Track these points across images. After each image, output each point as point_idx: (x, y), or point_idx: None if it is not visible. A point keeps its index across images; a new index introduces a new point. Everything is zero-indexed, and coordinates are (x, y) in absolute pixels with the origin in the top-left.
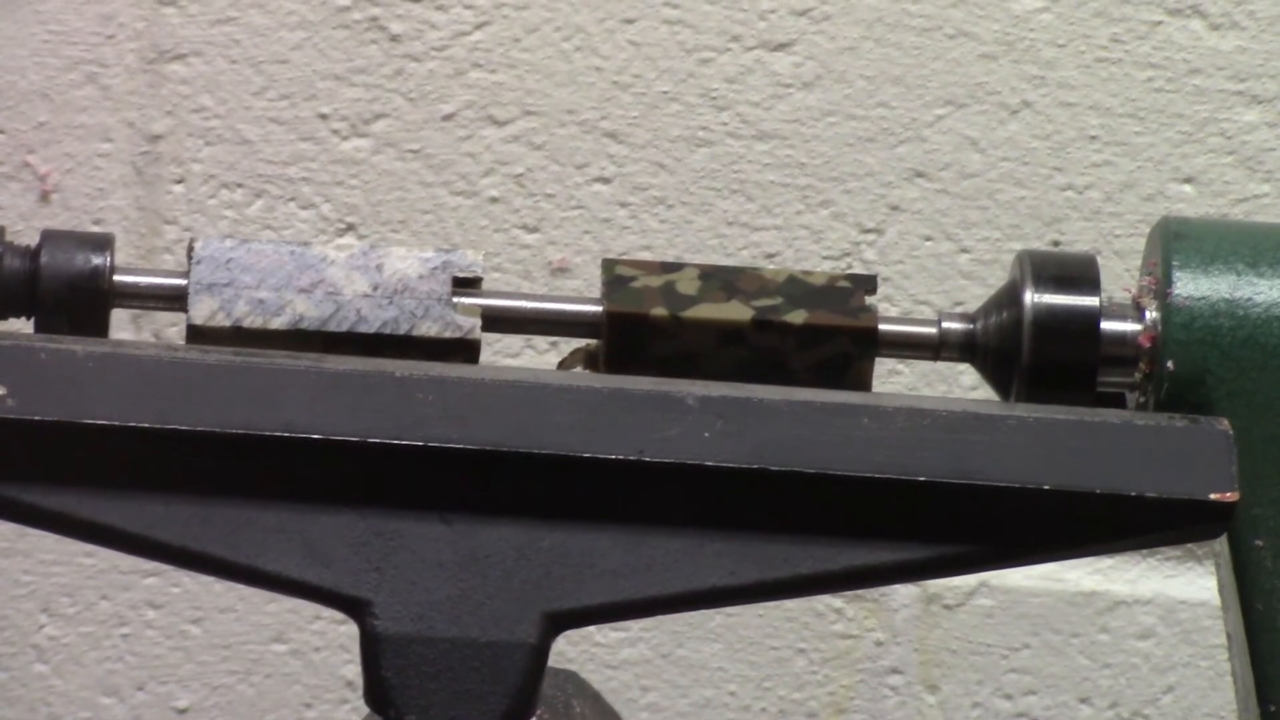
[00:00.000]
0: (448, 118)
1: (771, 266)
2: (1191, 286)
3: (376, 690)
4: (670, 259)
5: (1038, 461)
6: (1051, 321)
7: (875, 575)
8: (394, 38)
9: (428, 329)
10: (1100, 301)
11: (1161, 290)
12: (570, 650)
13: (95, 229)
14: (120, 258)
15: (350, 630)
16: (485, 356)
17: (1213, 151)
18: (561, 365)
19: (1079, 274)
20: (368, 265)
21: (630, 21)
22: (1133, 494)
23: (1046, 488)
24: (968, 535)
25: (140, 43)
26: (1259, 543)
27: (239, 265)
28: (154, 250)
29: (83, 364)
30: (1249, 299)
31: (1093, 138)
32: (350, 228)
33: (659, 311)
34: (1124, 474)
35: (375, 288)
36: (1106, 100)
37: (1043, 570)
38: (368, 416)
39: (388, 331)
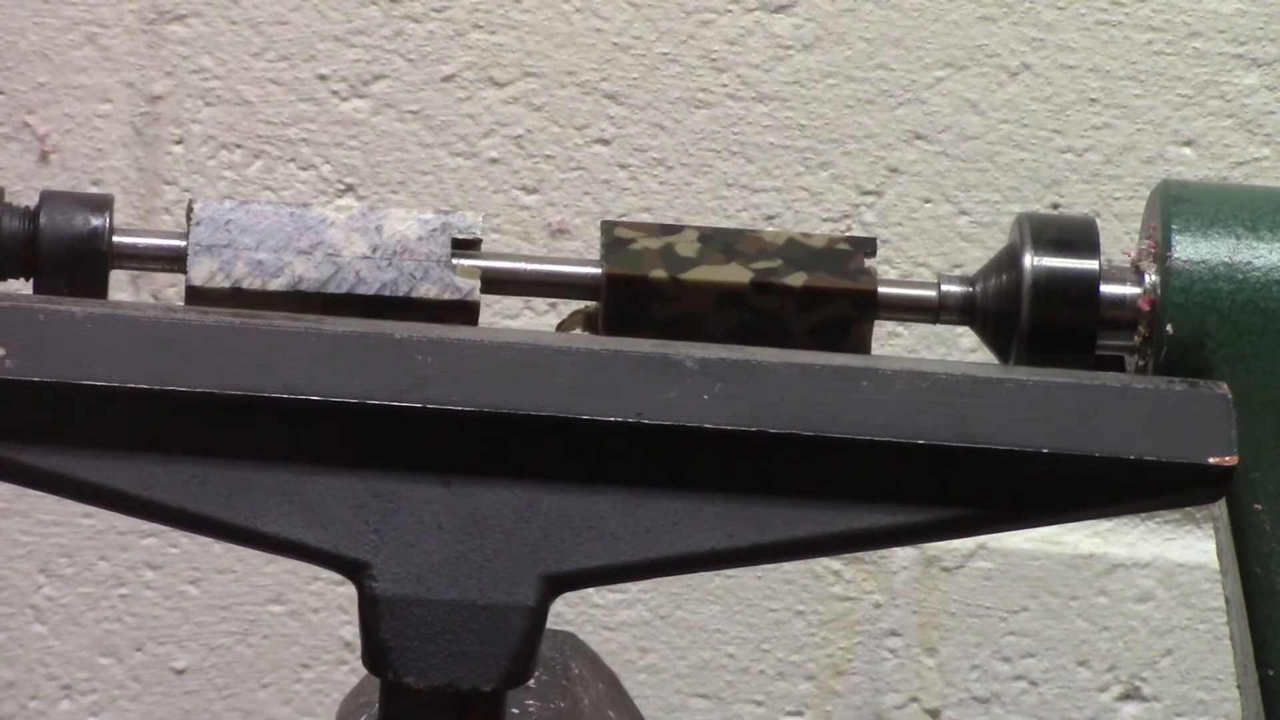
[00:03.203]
0: (447, 79)
1: (771, 229)
2: (1191, 250)
3: (374, 652)
4: (670, 221)
5: (1037, 424)
6: (1051, 285)
7: (874, 538)
8: None
9: (427, 291)
10: (1100, 265)
11: (1161, 254)
12: (569, 612)
13: (94, 190)
14: (119, 218)
15: (348, 591)
16: (484, 318)
17: (1212, 114)
18: (560, 327)
19: (1078, 237)
20: (367, 227)
21: None
22: (1131, 457)
23: (1045, 451)
24: (966, 498)
25: (140, 3)
26: (1258, 506)
27: (238, 226)
28: (153, 211)
29: (81, 325)
30: (1248, 263)
31: (1092, 100)
32: (349, 189)
33: (658, 274)
34: (1123, 437)
35: (374, 249)
36: (1106, 63)
37: (1041, 533)
38: (367, 378)
39: (387, 293)
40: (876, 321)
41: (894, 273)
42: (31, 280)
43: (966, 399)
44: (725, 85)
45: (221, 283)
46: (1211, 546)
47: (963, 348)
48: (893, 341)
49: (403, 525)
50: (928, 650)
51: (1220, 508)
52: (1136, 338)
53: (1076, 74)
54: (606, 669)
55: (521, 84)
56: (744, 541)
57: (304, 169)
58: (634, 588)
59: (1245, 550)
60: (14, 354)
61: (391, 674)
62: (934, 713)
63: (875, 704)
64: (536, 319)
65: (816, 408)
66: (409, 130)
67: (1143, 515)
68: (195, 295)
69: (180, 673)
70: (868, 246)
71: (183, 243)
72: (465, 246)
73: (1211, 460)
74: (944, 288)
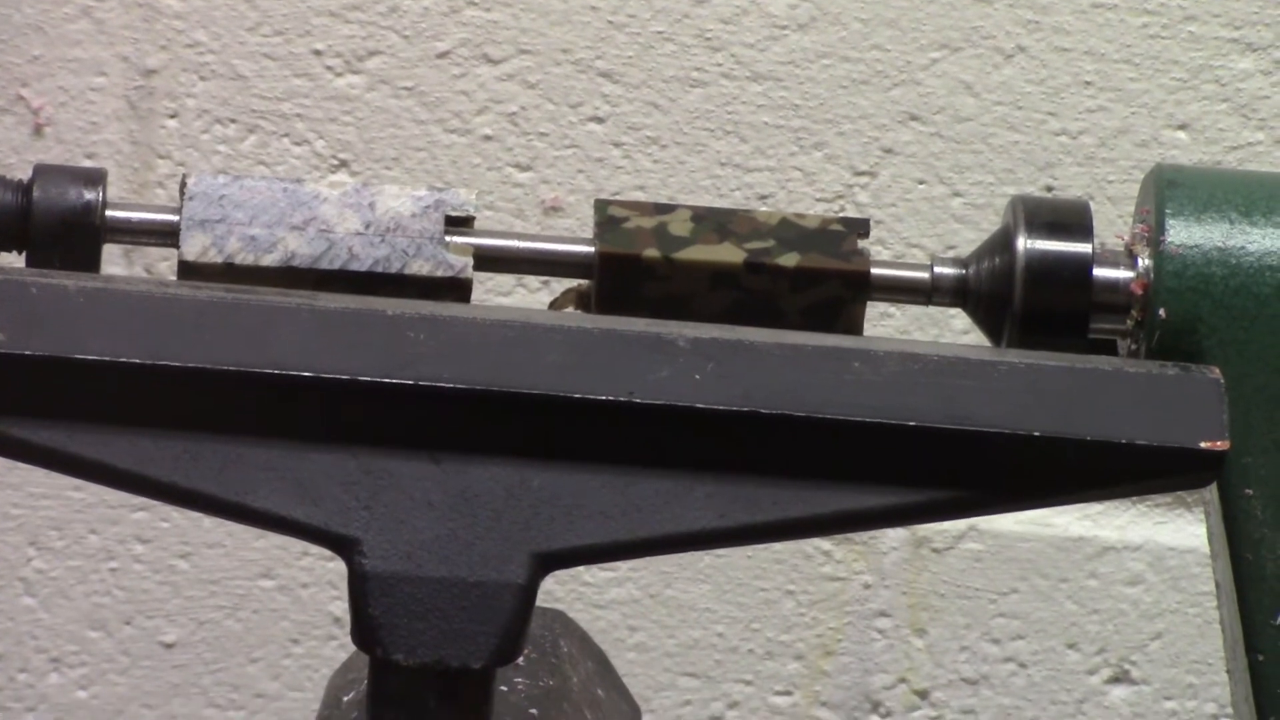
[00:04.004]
0: (442, 55)
1: (764, 209)
2: (1184, 234)
3: (364, 628)
4: (663, 200)
5: (1028, 407)
6: (1044, 267)
7: (865, 519)
8: None
9: (420, 268)
10: (1093, 248)
11: (1154, 238)
12: (558, 590)
13: (88, 163)
14: (113, 192)
15: (338, 566)
16: (477, 295)
17: (1207, 99)
18: (553, 305)
19: (1072, 220)
20: (360, 203)
21: None
22: (1123, 441)
23: (1037, 434)
24: (957, 480)
25: None
26: (1249, 491)
27: (231, 202)
28: (147, 185)
29: (74, 299)
30: (1241, 247)
31: (1087, 83)
32: (343, 164)
33: (651, 253)
34: (1115, 421)
35: (368, 226)
36: (1101, 46)
37: (1032, 515)
38: (359, 355)
39: (380, 270)
40: (869, 303)
41: (887, 254)
42: (24, 253)
43: (958, 381)
44: (720, 64)
45: (214, 258)
46: (1202, 530)
47: (955, 329)
48: (885, 323)
49: (393, 502)
50: (917, 631)
51: (1211, 492)
52: (1129, 321)
53: (1071, 57)
54: (595, 647)
55: (516, 61)
56: (734, 521)
57: (298, 144)
58: (624, 566)
59: (1236, 535)
60: (5, 327)
61: (380, 650)
62: (923, 693)
63: (864, 684)
64: (529, 297)
65: (808, 388)
66: (403, 106)
67: (1134, 499)
68: (188, 270)
69: (169, 647)
70: (861, 227)
71: (176, 217)
72: (458, 224)
73: (1203, 445)
74: (937, 269)
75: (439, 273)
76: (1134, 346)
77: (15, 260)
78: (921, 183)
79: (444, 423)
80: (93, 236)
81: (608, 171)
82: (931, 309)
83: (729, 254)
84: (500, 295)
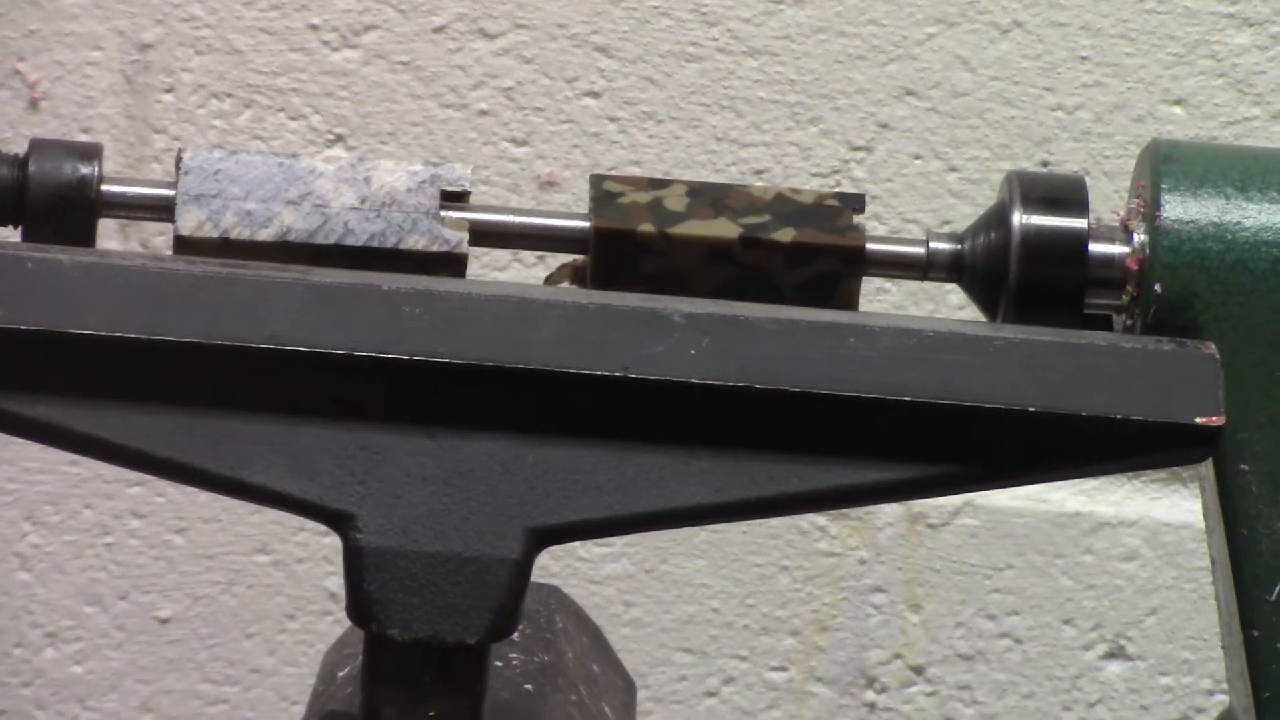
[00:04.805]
0: (438, 30)
1: (760, 184)
2: (1180, 210)
3: (359, 603)
4: (659, 175)
5: (1024, 383)
6: (1039, 243)
7: (860, 495)
8: None
9: (415, 242)
10: (1088, 223)
11: (1150, 213)
12: (553, 565)
13: (84, 137)
14: (109, 167)
15: (334, 542)
16: (472, 270)
17: (1203, 74)
18: (548, 280)
19: (1067, 195)
20: (356, 178)
21: None
22: (1118, 416)
23: (1032, 409)
24: (952, 456)
25: None
26: (1244, 467)
27: (227, 176)
28: (143, 159)
29: (69, 274)
30: (1237, 223)
31: (1083, 58)
32: (339, 139)
33: (646, 228)
34: (1110, 396)
35: (363, 200)
36: (1098, 21)
37: (1027, 491)
38: (354, 329)
39: (375, 244)
40: (864, 278)
41: (883, 229)
42: (19, 228)
43: (953, 356)
44: (716, 39)
45: (210, 232)
46: (1197, 506)
47: (951, 305)
48: (880, 298)
49: (388, 477)
50: (912, 607)
51: (1207, 468)
52: (1125, 297)
53: (1068, 31)
54: (591, 623)
55: (512, 36)
56: (730, 497)
57: (294, 119)
58: (619, 541)
59: (1231, 510)
60: (1, 302)
61: (376, 626)
62: (918, 669)
63: (859, 660)
64: (525, 272)
65: (803, 363)
66: (399, 81)
67: (1129, 474)
68: (183, 245)
69: (164, 622)
70: (856, 203)
71: (172, 192)
72: (454, 199)
73: (1199, 420)
74: (932, 245)
75: (434, 248)
76: (1129, 322)
77: (10, 235)
78: (917, 158)
79: (439, 398)
80: (88, 211)
81: (603, 146)
82: (927, 284)
83: (724, 229)
84: (496, 270)
